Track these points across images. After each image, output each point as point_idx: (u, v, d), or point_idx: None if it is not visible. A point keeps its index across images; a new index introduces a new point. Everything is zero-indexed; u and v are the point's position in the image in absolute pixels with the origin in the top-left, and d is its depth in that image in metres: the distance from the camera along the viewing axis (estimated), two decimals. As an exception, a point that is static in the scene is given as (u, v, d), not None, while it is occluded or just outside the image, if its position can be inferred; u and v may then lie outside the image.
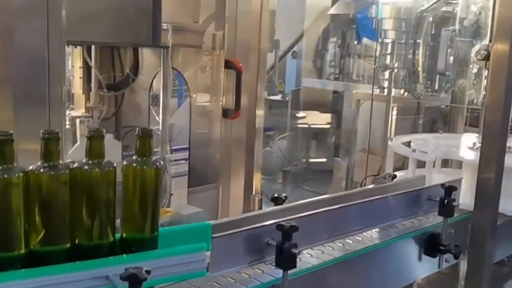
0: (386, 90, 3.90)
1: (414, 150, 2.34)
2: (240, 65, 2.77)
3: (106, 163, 1.19)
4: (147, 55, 3.57)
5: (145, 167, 1.23)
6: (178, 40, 3.15)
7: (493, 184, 1.58)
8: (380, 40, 3.87)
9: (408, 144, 2.59)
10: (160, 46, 2.92)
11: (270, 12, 3.05)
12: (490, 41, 1.54)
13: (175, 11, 3.12)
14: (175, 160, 3.58)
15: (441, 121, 4.25)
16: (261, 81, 2.88)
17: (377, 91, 4.06)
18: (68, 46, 3.34)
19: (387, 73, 3.77)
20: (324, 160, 7.22)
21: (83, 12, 2.58)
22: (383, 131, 4.07)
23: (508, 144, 2.52)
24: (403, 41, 3.59)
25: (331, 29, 6.99)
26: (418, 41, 3.41)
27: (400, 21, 3.70)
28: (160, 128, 3.07)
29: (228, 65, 2.83)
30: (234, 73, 2.80)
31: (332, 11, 5.79)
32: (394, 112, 4.19)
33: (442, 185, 1.99)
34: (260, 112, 2.91)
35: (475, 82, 3.16)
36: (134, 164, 1.22)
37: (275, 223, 1.45)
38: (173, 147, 3.74)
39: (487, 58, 1.52)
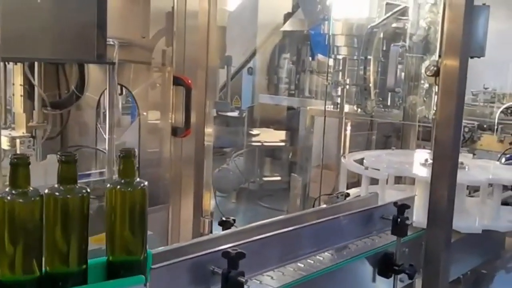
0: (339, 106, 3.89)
1: (366, 168, 2.30)
2: (189, 82, 2.68)
3: (78, 189, 1.15)
4: (94, 71, 3.44)
5: (129, 189, 1.19)
6: (126, 56, 3.04)
7: (446, 201, 1.54)
8: (333, 56, 3.86)
9: (361, 161, 2.56)
10: (105, 62, 2.80)
11: (220, 28, 2.98)
12: (439, 56, 1.52)
13: (123, 26, 3.01)
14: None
15: (394, 137, 4.26)
16: (210, 98, 2.79)
17: (331, 107, 4.04)
18: (8, 63, 3.19)
19: (340, 90, 3.76)
20: (280, 176, 7.19)
21: (22, 28, 2.44)
22: (337, 147, 4.06)
23: (459, 160, 2.53)
24: (355, 57, 3.59)
25: (286, 45, 7.00)
26: (369, 57, 3.41)
27: (352, 38, 3.70)
28: (107, 147, 2.93)
29: (177, 81, 2.73)
30: (183, 90, 2.71)
31: (286, 27, 5.78)
32: (348, 128, 4.18)
33: (395, 203, 1.95)
34: (209, 130, 2.82)
35: (425, 98, 3.16)
36: (118, 187, 1.19)
37: (221, 250, 1.36)
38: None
39: (437, 74, 1.49)
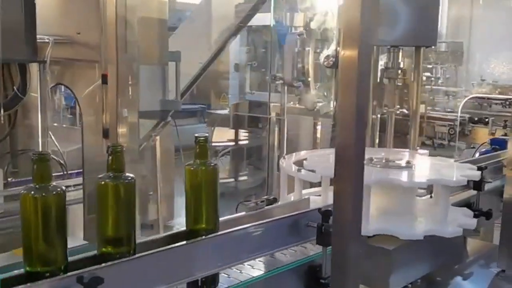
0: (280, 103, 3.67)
1: (299, 170, 2.11)
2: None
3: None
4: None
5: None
6: (66, 54, 2.88)
7: (351, 208, 1.35)
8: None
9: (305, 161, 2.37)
10: (35, 61, 2.64)
11: (160, 21, 2.80)
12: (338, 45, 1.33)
13: (59, 22, 2.85)
14: (75, 185, 3.30)
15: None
16: (121, 96, 2.61)
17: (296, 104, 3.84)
18: None
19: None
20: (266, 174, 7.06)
21: None
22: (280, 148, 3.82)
23: (408, 159, 2.34)
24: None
25: (270, 40, 6.83)
26: (307, 48, 3.19)
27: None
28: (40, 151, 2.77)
29: (105, 80, 2.57)
30: (113, 89, 2.54)
31: (254, 22, 5.61)
32: (319, 126, 3.99)
33: (319, 209, 1.76)
34: (122, 131, 2.64)
35: (325, 93, 2.95)
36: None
37: (79, 273, 1.19)
38: (72, 171, 3.45)
39: (336, 65, 1.30)
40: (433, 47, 9.76)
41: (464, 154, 6.62)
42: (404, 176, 2.06)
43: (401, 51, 2.46)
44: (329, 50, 2.61)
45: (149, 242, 1.45)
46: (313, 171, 2.11)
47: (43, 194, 1.18)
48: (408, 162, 2.23)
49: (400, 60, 2.47)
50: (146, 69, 2.79)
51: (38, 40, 2.69)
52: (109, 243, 1.31)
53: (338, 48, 1.32)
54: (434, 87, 9.22)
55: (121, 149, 1.27)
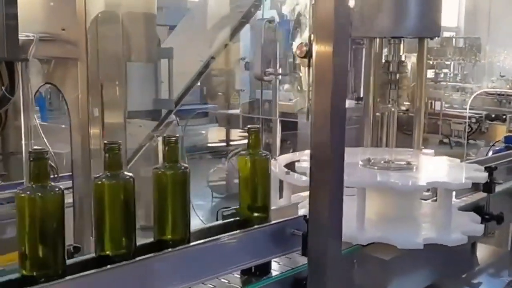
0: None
1: (288, 172, 1.95)
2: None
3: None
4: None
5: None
6: (51, 52, 2.75)
7: (327, 215, 1.20)
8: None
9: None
10: (17, 59, 2.52)
11: (148, 16, 2.65)
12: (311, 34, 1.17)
13: (45, 18, 2.73)
14: (65, 189, 3.17)
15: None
16: (91, 96, 2.47)
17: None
18: None
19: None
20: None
21: None
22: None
23: (410, 160, 2.16)
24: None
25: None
26: (297, 42, 3.00)
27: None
28: (23, 154, 2.64)
29: (88, 78, 2.44)
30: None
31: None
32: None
33: (305, 217, 1.60)
34: (95, 131, 2.50)
35: (298, 87, 2.73)
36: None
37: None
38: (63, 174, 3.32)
39: (309, 55, 1.13)
40: (452, 43, 9.41)
41: (480, 153, 6.38)
42: (401, 179, 1.88)
43: (402, 43, 2.29)
44: (302, 38, 2.42)
45: (204, 230, 1.49)
46: (304, 173, 1.95)
47: (114, 181, 1.26)
48: (408, 163, 2.06)
49: (401, 53, 2.30)
50: (134, 66, 2.65)
51: (21, 37, 2.57)
52: (167, 231, 1.37)
53: (311, 36, 1.18)
54: (450, 83, 8.96)
55: (175, 140, 1.34)
